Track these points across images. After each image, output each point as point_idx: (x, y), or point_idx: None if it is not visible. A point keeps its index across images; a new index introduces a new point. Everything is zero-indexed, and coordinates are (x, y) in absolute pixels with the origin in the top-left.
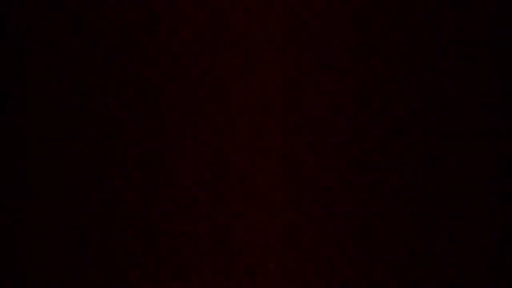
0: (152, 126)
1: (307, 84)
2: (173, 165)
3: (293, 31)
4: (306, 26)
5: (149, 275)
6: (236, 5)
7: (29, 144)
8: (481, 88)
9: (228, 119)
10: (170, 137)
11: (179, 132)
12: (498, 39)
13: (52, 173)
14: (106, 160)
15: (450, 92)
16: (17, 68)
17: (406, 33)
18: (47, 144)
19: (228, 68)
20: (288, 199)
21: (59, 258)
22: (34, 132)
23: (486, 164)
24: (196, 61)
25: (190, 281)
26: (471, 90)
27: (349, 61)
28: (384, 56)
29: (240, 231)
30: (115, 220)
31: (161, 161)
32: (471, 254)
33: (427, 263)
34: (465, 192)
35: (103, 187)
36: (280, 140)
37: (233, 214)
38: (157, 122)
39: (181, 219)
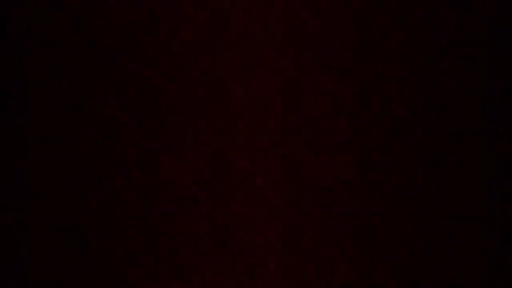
0: (152, 126)
1: (307, 84)
2: (173, 165)
3: (293, 31)
4: (306, 26)
5: (149, 275)
6: (236, 5)
7: (29, 144)
8: (481, 88)
9: (228, 119)
10: (170, 137)
11: (179, 132)
12: (498, 39)
13: (52, 173)
14: (106, 160)
15: (450, 92)
16: (17, 68)
17: (406, 33)
18: (47, 144)
19: (228, 68)
20: (288, 199)
21: (59, 258)
22: (34, 132)
23: (486, 164)
24: (196, 61)
25: (190, 281)
26: (471, 90)
27: (349, 61)
28: (384, 56)
29: (240, 231)
30: (115, 220)
31: (161, 161)
32: (471, 254)
33: (427, 263)
34: (465, 192)
35: (103, 187)
36: (280, 140)
37: (233, 214)
38: (157, 122)
39: (181, 219)
